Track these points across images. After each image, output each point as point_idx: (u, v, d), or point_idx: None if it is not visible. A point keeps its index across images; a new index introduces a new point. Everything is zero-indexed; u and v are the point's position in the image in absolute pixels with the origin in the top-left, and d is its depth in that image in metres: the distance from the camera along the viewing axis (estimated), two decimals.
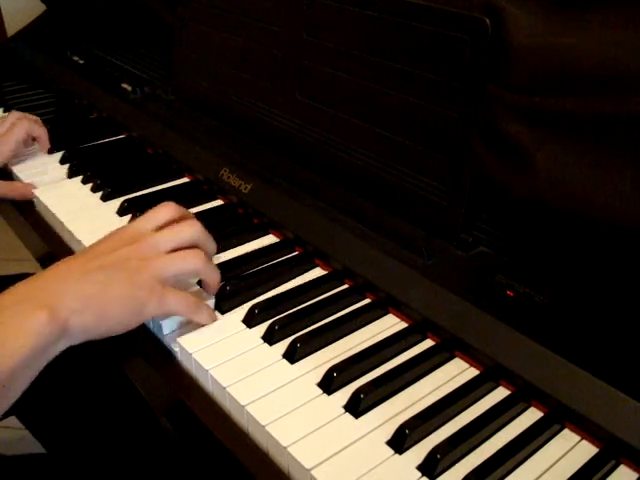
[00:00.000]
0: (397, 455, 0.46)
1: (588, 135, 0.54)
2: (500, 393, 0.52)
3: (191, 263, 0.56)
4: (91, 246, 0.57)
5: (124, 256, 0.53)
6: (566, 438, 0.48)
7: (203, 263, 0.57)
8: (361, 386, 0.50)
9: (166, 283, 0.54)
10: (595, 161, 0.54)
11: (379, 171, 0.67)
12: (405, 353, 0.55)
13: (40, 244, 0.80)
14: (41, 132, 0.89)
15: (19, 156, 0.89)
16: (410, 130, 0.64)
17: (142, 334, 0.61)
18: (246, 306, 0.60)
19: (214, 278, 0.59)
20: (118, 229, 0.58)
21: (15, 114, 0.89)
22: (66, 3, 1.23)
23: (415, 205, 0.64)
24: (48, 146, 0.90)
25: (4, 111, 1.06)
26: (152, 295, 0.52)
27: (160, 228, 0.58)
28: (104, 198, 0.79)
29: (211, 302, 0.60)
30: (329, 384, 0.51)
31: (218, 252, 0.68)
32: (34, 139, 0.90)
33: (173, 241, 0.57)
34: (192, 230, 0.58)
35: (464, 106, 0.59)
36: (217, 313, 0.59)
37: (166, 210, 0.60)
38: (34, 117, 0.91)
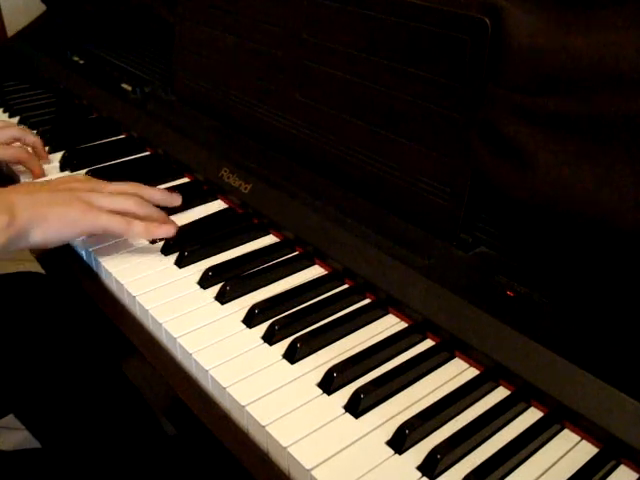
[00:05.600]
0: (397, 455, 0.46)
1: (588, 135, 0.54)
2: (500, 393, 0.52)
3: (127, 203, 0.67)
4: (53, 180, 0.71)
5: (74, 187, 0.67)
6: (566, 438, 0.48)
7: (137, 205, 0.68)
8: (361, 386, 0.50)
9: (107, 210, 0.65)
10: (595, 161, 0.54)
11: (379, 171, 0.67)
12: (405, 353, 0.55)
13: None
14: (32, 165, 0.84)
15: None
16: (410, 130, 0.64)
17: (140, 332, 0.62)
18: (246, 306, 0.60)
19: (150, 215, 0.69)
20: (85, 176, 0.73)
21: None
22: (66, 3, 1.23)
23: (415, 205, 0.64)
24: (46, 156, 0.87)
25: (4, 111, 1.06)
26: (87, 214, 0.63)
27: None
28: None
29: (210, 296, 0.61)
30: (329, 384, 0.51)
31: (218, 252, 0.68)
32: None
33: (117, 191, 0.69)
34: (134, 188, 0.71)
35: (464, 106, 0.59)
36: (216, 312, 0.60)
37: (125, 185, 0.72)
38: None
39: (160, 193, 0.73)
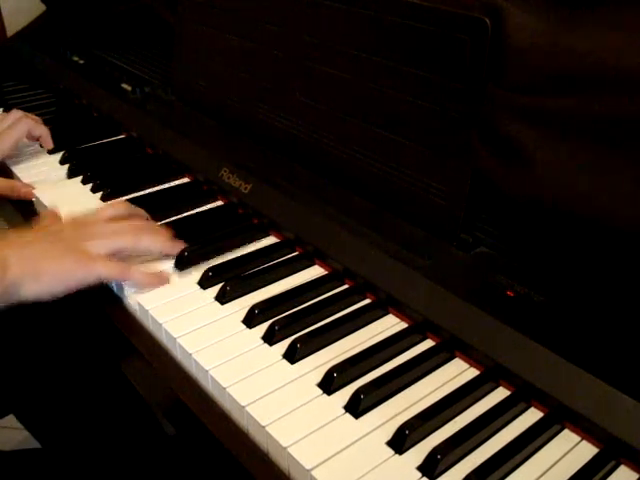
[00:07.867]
0: (397, 455, 0.46)
1: (588, 135, 0.54)
2: (500, 393, 0.52)
3: (123, 241, 0.64)
4: (50, 224, 0.68)
5: (67, 236, 0.63)
6: (566, 438, 0.48)
7: (132, 241, 0.64)
8: (361, 386, 0.50)
9: (102, 257, 0.62)
10: (595, 161, 0.54)
11: (379, 171, 0.67)
12: (405, 353, 0.55)
13: None
14: (43, 131, 0.89)
15: (20, 156, 0.89)
16: (410, 130, 0.64)
17: (140, 332, 0.62)
18: (246, 306, 0.59)
19: (155, 249, 0.66)
20: (76, 217, 0.68)
21: (16, 113, 0.88)
22: (66, 3, 1.23)
23: (415, 205, 0.64)
24: (51, 144, 0.90)
25: (4, 111, 1.06)
26: (81, 265, 0.60)
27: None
28: (104, 198, 0.79)
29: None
30: (329, 384, 0.51)
31: (218, 253, 0.68)
32: (37, 139, 0.90)
33: (112, 230, 0.65)
34: (131, 226, 0.66)
35: (464, 106, 0.59)
36: (216, 312, 0.60)
37: (118, 206, 0.70)
38: (36, 117, 0.91)
39: (162, 241, 0.66)
